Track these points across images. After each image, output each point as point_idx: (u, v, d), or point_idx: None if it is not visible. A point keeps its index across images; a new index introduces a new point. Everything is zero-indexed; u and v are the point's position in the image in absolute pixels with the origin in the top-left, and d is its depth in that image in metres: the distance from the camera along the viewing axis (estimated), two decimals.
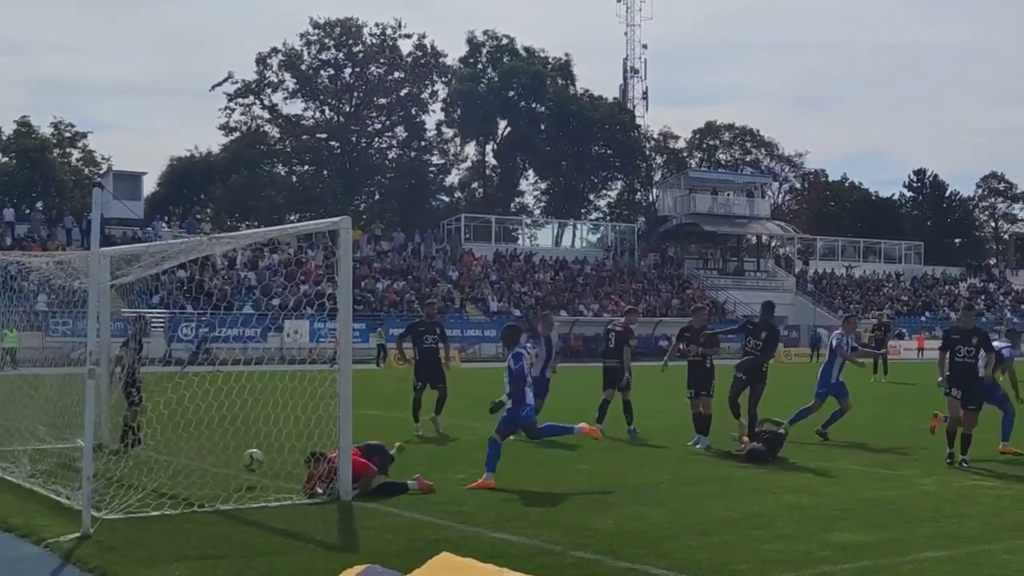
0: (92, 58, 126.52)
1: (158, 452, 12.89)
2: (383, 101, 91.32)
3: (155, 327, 44.40)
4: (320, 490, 11.04)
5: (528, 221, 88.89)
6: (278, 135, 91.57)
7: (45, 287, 32.12)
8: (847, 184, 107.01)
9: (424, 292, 59.59)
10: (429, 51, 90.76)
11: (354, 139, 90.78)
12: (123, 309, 25.42)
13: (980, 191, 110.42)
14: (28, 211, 65.42)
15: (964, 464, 13.68)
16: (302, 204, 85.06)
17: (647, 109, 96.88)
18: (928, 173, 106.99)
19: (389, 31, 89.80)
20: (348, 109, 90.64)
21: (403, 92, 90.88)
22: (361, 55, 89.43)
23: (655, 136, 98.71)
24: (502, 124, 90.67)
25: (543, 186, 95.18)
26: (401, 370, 24.61)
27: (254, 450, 12.32)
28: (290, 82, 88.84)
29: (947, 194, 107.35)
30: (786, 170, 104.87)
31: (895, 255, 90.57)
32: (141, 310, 27.61)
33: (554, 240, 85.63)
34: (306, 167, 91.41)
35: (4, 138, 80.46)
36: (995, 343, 15.07)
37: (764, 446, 14.27)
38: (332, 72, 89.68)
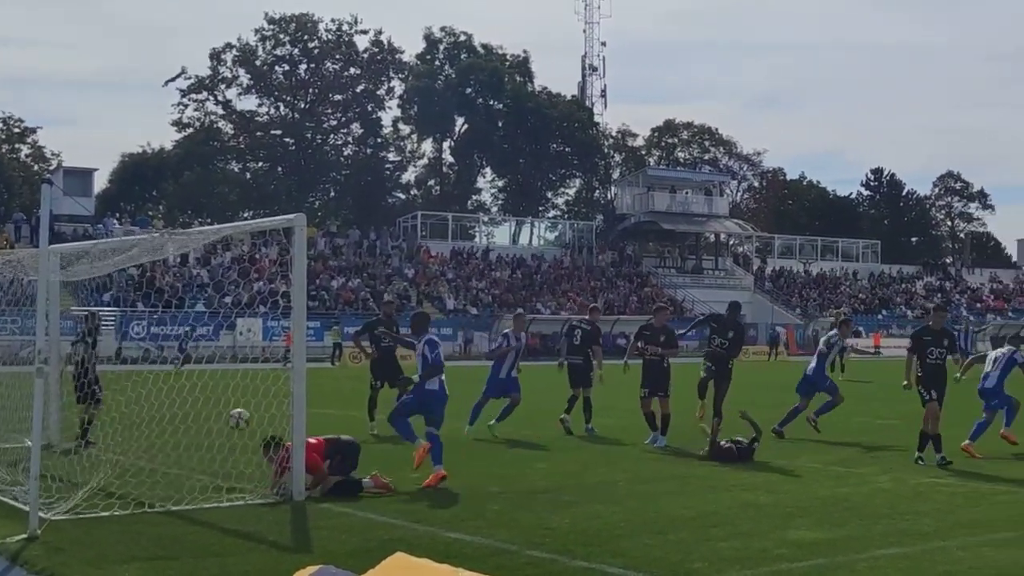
0: (42, 51, 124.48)
1: (108, 451, 12.66)
2: (339, 97, 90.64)
3: (106, 325, 43.80)
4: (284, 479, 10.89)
5: (485, 219, 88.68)
6: (232, 131, 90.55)
7: None
8: (805, 183, 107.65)
9: (379, 290, 59.30)
10: (386, 47, 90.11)
11: (309, 136, 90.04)
12: (72, 307, 25.05)
13: (937, 190, 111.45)
14: None
15: (943, 461, 13.60)
16: (256, 201, 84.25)
17: (606, 107, 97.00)
18: (885, 172, 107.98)
19: (345, 27, 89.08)
20: (303, 105, 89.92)
21: (359, 88, 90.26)
22: (317, 51, 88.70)
23: (614, 134, 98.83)
24: (459, 121, 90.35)
25: (501, 183, 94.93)
26: (357, 368, 24.47)
27: (240, 409, 12.15)
28: (244, 78, 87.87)
29: (904, 193, 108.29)
30: (744, 169, 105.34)
31: (852, 253, 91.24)
32: (92, 308, 27.23)
33: (512, 238, 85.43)
34: (260, 164, 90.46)
35: None
36: (1004, 349, 15.43)
37: (736, 449, 14.09)
38: (287, 68, 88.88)
